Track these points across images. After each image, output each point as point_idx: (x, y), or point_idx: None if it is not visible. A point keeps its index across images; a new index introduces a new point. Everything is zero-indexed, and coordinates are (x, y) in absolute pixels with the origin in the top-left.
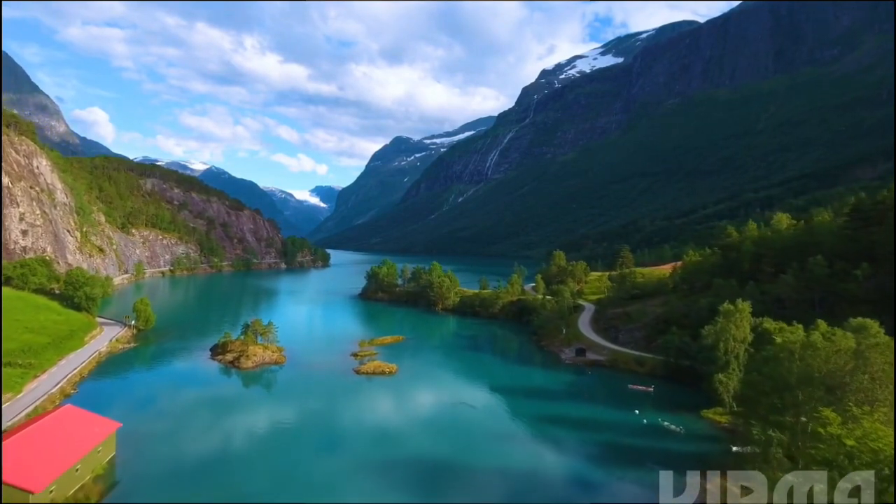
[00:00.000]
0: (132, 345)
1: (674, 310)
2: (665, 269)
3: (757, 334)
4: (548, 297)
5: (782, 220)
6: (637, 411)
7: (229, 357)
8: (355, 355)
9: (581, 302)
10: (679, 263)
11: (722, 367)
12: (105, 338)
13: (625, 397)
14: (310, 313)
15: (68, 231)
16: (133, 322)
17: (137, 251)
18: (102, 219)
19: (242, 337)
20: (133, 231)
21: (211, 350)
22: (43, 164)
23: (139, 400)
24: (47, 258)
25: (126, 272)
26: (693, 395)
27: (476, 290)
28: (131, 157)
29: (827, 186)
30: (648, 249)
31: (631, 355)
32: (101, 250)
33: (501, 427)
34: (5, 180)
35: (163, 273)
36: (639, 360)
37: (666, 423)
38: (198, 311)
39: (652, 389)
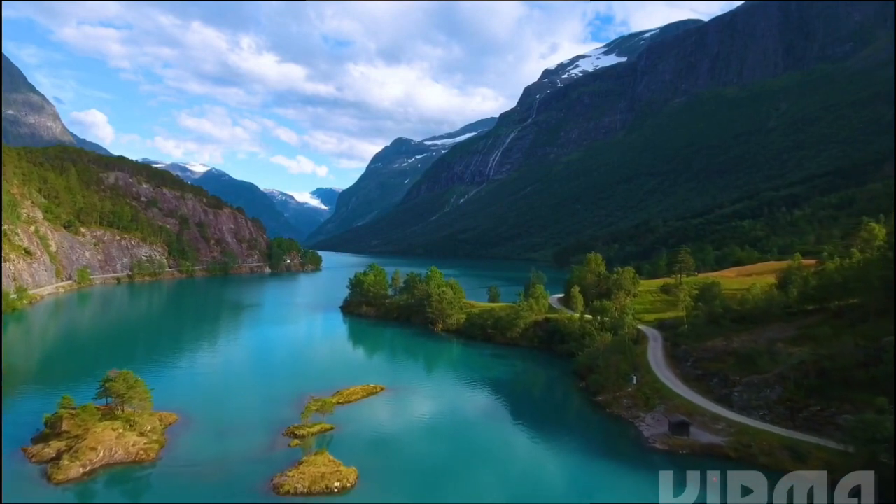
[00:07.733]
0: None
1: (839, 354)
2: (728, 275)
3: None
4: (587, 316)
5: None
6: None
7: (53, 449)
8: (292, 433)
9: (637, 325)
10: (782, 267)
11: None
12: None
13: None
14: (259, 340)
15: None
16: None
17: (87, 254)
18: (39, 215)
19: (84, 407)
20: (83, 230)
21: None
22: None
23: None
24: None
25: (68, 279)
26: None
27: (486, 304)
28: (130, 158)
29: (855, 184)
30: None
31: (773, 437)
32: (27, 252)
33: None
34: None
35: (118, 279)
36: (792, 450)
37: None
38: (109, 336)
39: None
